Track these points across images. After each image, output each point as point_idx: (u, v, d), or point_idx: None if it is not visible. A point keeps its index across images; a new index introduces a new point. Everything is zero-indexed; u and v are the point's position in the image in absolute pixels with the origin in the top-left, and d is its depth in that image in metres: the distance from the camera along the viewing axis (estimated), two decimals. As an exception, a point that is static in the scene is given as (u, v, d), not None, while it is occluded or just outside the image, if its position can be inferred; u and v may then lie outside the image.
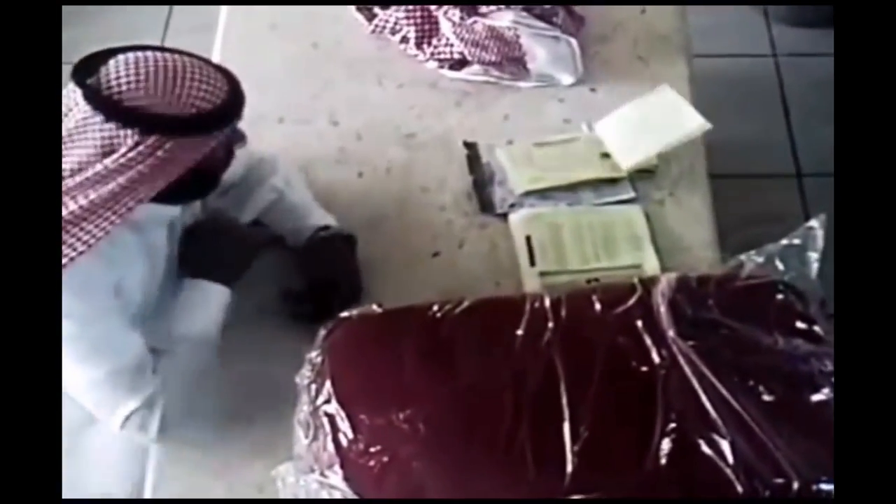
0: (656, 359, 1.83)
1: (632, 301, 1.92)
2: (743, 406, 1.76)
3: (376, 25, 2.64)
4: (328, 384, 1.81)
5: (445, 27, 2.57)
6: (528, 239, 2.22)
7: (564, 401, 1.77)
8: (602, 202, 2.31)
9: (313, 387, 1.83)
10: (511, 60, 2.54)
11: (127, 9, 3.81)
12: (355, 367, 1.86)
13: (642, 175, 2.35)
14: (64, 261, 1.68)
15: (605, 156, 2.37)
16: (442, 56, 2.57)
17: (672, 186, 2.34)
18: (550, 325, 1.87)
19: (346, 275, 2.15)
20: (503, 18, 2.55)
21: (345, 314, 1.93)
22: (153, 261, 1.96)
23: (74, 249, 1.69)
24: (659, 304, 1.90)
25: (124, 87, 1.70)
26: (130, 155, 1.70)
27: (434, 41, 2.58)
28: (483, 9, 2.56)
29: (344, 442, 1.75)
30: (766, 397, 1.80)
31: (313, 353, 1.87)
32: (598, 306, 1.91)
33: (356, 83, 2.55)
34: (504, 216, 2.29)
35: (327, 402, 1.79)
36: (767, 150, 3.42)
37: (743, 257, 2.02)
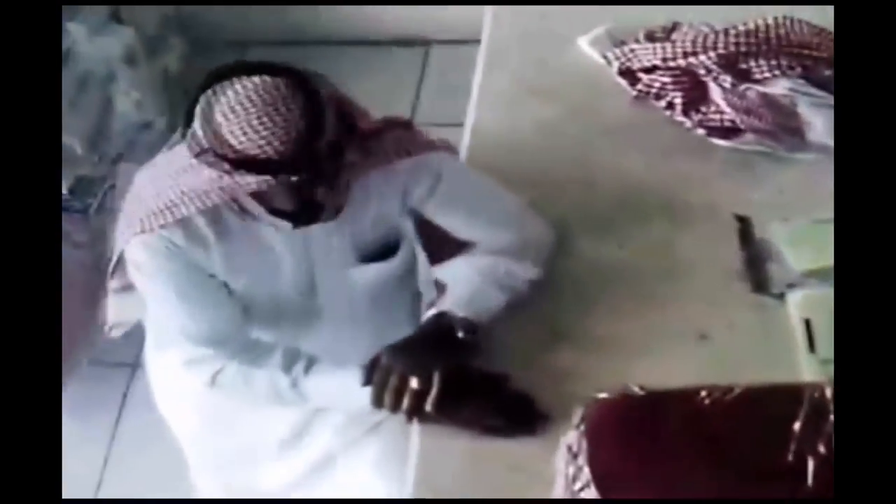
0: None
1: (924, 395, 1.75)
2: None
3: (640, 90, 2.56)
4: (587, 469, 1.72)
5: (715, 93, 2.47)
6: (808, 323, 2.09)
7: (848, 502, 1.62)
8: (889, 285, 2.16)
9: (570, 470, 1.74)
10: (787, 130, 2.42)
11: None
12: (615, 453, 1.76)
13: (933, 257, 2.18)
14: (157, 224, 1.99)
15: (893, 236, 2.22)
16: (711, 124, 2.47)
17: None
18: (832, 417, 1.73)
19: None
20: (778, 85, 2.44)
21: (603, 394, 1.83)
22: (265, 261, 2.12)
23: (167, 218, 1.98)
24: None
25: (216, 111, 1.87)
26: (207, 173, 1.89)
27: (702, 108, 2.48)
28: (756, 75, 2.45)
29: (604, 532, 1.66)
30: None
31: (570, 435, 1.79)
32: (886, 399, 1.76)
33: (616, 149, 2.48)
34: (781, 297, 2.16)
35: (585, 488, 1.71)
36: None
37: None
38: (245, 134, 1.84)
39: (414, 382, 1.99)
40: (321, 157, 1.88)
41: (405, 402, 1.99)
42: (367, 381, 2.02)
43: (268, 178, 1.85)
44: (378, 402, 2.02)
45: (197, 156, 1.87)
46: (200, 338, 2.11)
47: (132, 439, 3.23)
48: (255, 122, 1.84)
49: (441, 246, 2.26)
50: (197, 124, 1.87)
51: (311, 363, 2.11)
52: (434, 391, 1.98)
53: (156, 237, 2.02)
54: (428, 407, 1.99)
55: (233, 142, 1.84)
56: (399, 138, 2.12)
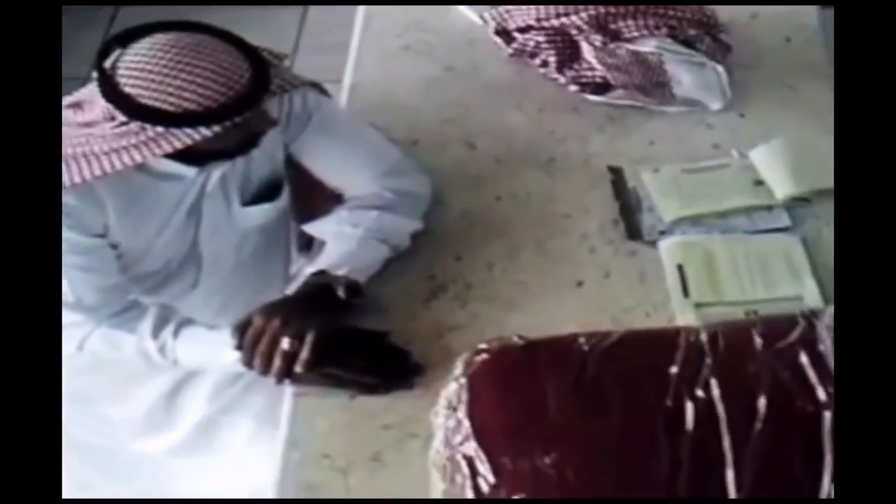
0: (823, 397, 1.58)
1: (795, 335, 1.67)
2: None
3: (515, 49, 2.45)
4: (466, 422, 1.60)
5: (587, 52, 2.37)
6: (681, 268, 1.99)
7: (726, 444, 1.54)
8: (757, 230, 2.07)
9: (450, 424, 1.62)
10: (656, 85, 2.33)
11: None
12: (495, 404, 1.64)
13: (798, 203, 2.10)
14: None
15: (759, 183, 2.13)
16: (584, 80, 2.36)
17: (830, 215, 2.06)
18: (708, 360, 1.64)
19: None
20: (646, 44, 2.34)
21: (483, 345, 1.71)
22: (161, 211, 1.97)
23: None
24: (824, 337, 1.66)
25: (126, 73, 1.75)
26: (120, 129, 1.76)
27: (575, 65, 2.38)
28: (625, 34, 2.36)
29: (484, 487, 1.53)
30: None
31: (449, 388, 1.66)
32: (758, 340, 1.67)
33: (494, 107, 2.37)
34: (653, 244, 2.06)
35: (465, 441, 1.58)
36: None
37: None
38: (196, 87, 1.73)
39: (285, 343, 1.82)
40: (269, 91, 1.82)
41: (276, 364, 1.83)
42: (239, 344, 1.86)
43: (215, 126, 1.75)
44: (248, 363, 1.85)
45: (130, 118, 1.74)
46: (77, 305, 1.93)
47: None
48: (204, 74, 1.74)
49: (311, 203, 2.12)
50: (129, 87, 1.73)
51: (181, 326, 1.94)
52: (305, 352, 1.82)
53: None
54: (298, 368, 1.82)
55: (179, 98, 1.73)
56: (283, 70, 1.99)
